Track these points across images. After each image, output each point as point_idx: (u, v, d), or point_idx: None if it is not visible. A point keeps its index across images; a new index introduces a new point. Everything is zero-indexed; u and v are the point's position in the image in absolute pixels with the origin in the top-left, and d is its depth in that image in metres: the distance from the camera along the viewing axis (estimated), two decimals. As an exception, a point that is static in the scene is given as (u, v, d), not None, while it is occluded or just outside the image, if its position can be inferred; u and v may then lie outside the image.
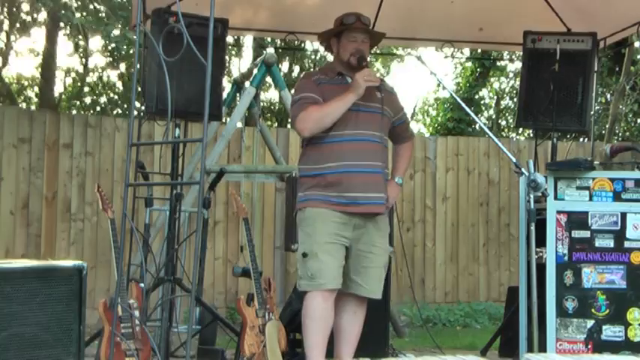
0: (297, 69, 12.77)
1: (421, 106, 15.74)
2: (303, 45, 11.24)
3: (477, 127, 12.40)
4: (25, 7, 9.87)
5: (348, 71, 3.96)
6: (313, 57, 12.65)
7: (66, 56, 12.93)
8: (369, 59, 4.12)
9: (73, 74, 12.93)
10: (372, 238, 3.92)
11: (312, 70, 11.69)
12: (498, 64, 13.24)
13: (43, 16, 10.09)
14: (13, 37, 10.71)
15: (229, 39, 5.87)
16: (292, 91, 4.19)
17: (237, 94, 6.88)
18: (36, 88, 12.20)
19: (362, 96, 3.83)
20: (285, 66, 12.59)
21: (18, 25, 10.30)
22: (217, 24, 4.72)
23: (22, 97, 12.91)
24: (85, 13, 9.04)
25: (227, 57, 8.71)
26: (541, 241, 4.19)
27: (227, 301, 7.28)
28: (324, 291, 3.75)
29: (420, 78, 24.11)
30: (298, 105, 3.88)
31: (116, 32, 8.55)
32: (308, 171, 3.92)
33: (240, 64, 12.43)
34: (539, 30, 5.27)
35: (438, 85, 14.50)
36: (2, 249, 6.60)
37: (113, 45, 10.08)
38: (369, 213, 3.88)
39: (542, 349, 3.99)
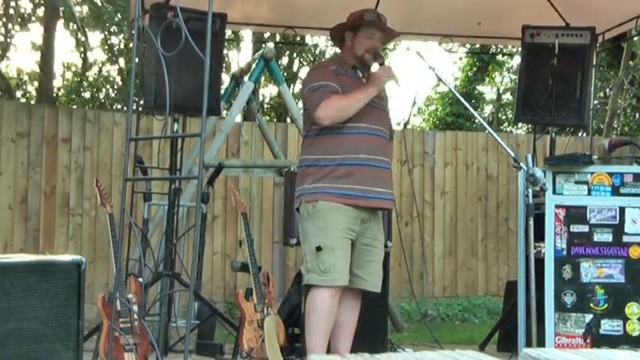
0: (297, 63, 12.74)
1: (424, 101, 15.70)
2: (301, 39, 11.21)
3: (476, 121, 12.37)
4: (25, 1, 9.86)
5: (360, 66, 3.98)
6: (313, 51, 12.62)
7: (65, 51, 12.93)
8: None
9: (72, 68, 12.90)
10: (375, 233, 3.94)
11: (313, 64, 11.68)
12: (499, 58, 13.20)
13: (41, 11, 10.06)
14: (12, 31, 10.67)
15: (228, 33, 5.86)
16: (302, 79, 4.17)
17: (236, 89, 6.87)
18: (35, 83, 12.17)
19: None
20: (284, 60, 12.56)
21: (18, 19, 10.26)
22: (216, 18, 4.72)
23: (22, 92, 12.88)
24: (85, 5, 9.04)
25: (226, 51, 8.69)
26: (539, 236, 4.17)
27: (225, 295, 7.28)
28: (333, 287, 3.73)
29: (421, 72, 24.13)
30: (320, 92, 3.80)
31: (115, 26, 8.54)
32: (317, 161, 3.85)
33: (239, 58, 12.42)
34: (538, 24, 5.26)
35: (439, 81, 14.45)
36: (1, 243, 6.59)
37: (113, 40, 10.06)
38: (378, 208, 3.89)
39: (541, 343, 3.98)
